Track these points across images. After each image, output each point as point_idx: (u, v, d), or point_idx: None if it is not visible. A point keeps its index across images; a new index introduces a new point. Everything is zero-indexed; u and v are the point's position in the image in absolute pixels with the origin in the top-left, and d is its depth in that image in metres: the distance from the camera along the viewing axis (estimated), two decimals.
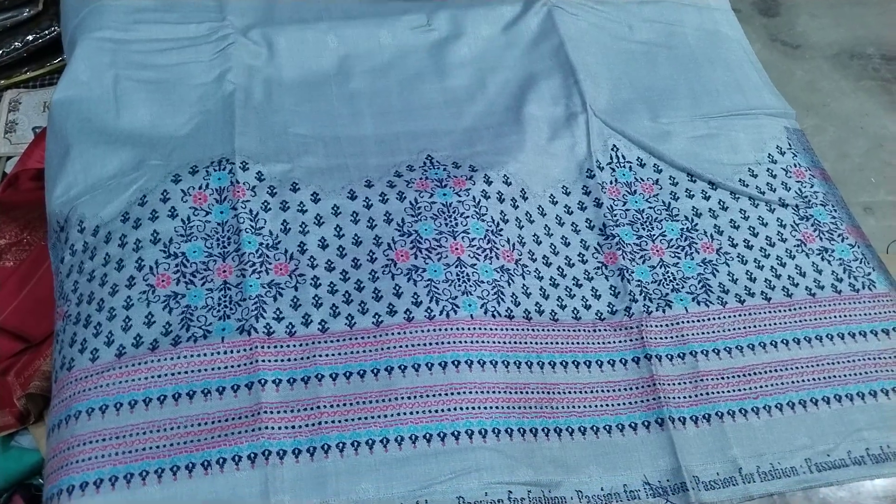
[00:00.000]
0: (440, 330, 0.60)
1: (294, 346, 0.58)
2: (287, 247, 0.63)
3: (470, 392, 0.58)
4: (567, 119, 0.76)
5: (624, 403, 0.62)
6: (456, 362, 0.58)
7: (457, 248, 0.64)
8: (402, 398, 0.57)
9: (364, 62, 0.79)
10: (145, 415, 0.54)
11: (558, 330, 0.64)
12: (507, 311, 0.62)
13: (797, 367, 0.65)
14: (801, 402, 0.63)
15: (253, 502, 0.52)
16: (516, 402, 0.59)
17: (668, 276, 0.68)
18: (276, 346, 0.58)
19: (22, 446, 0.62)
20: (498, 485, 0.55)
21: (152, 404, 0.54)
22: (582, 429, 0.60)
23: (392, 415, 0.56)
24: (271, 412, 0.55)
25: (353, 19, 0.81)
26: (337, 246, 0.64)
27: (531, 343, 0.62)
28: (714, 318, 0.66)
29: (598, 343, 0.64)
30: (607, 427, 0.60)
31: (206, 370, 0.56)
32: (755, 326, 0.66)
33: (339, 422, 0.56)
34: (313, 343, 0.59)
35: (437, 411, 0.57)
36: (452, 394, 0.58)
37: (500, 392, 0.59)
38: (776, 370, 0.64)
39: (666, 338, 0.65)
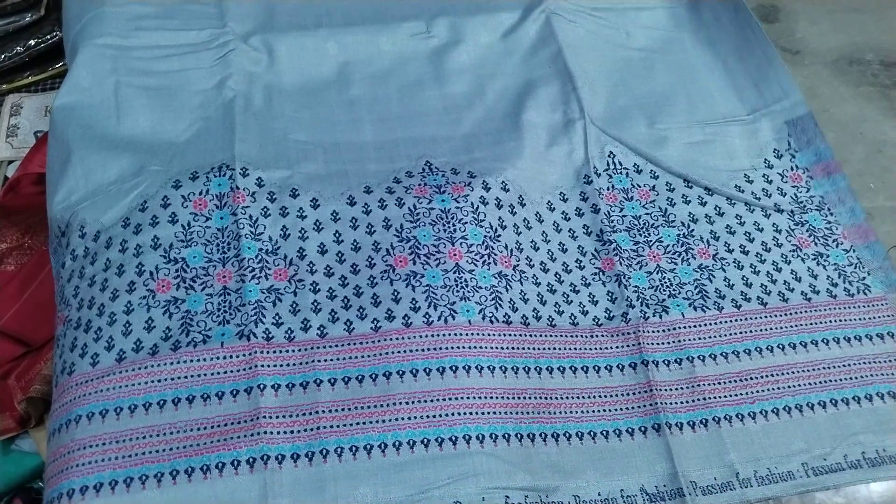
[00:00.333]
0: (438, 335, 0.60)
1: (293, 351, 0.58)
2: (286, 252, 0.63)
3: (468, 397, 0.58)
4: (565, 126, 0.76)
5: (621, 409, 0.62)
6: (454, 368, 0.59)
7: (455, 254, 0.64)
8: (401, 403, 0.57)
9: (364, 69, 0.79)
10: (145, 419, 0.54)
11: (556, 336, 0.64)
12: (504, 316, 0.62)
13: (793, 372, 0.65)
14: (797, 407, 0.63)
15: None
16: (514, 407, 0.59)
17: (665, 282, 0.68)
18: (275, 352, 0.58)
19: (22, 450, 0.62)
20: (495, 490, 0.55)
21: (152, 409, 0.55)
22: (579, 434, 0.60)
23: (390, 420, 0.57)
24: (270, 417, 0.55)
25: (353, 26, 0.81)
26: (336, 251, 0.64)
27: (529, 349, 0.62)
28: (710, 324, 0.66)
29: (596, 349, 0.64)
30: (604, 432, 0.60)
31: (205, 375, 0.56)
32: (751, 331, 0.67)
33: (338, 427, 0.56)
34: (312, 348, 0.59)
35: (434, 416, 0.57)
36: (450, 399, 0.58)
37: (497, 397, 0.59)
38: (772, 375, 0.64)
39: (663, 343, 0.65)
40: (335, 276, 0.63)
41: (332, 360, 0.58)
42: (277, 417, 0.55)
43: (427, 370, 0.58)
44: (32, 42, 0.87)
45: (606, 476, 0.58)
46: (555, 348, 0.64)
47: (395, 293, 0.62)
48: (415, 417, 0.57)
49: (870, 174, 0.93)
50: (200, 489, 0.52)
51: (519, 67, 0.81)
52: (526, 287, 0.65)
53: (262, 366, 0.57)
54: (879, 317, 0.69)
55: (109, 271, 0.60)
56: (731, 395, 0.63)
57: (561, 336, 0.64)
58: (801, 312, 0.68)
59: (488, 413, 0.58)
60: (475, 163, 0.71)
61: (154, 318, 0.58)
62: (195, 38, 0.77)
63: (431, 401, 0.57)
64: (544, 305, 0.65)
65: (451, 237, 0.65)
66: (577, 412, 0.61)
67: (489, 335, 0.61)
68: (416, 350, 0.59)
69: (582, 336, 0.65)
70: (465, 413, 0.57)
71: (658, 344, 0.65)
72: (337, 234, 0.65)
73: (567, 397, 0.62)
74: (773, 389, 0.64)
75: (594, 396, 0.62)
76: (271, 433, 0.54)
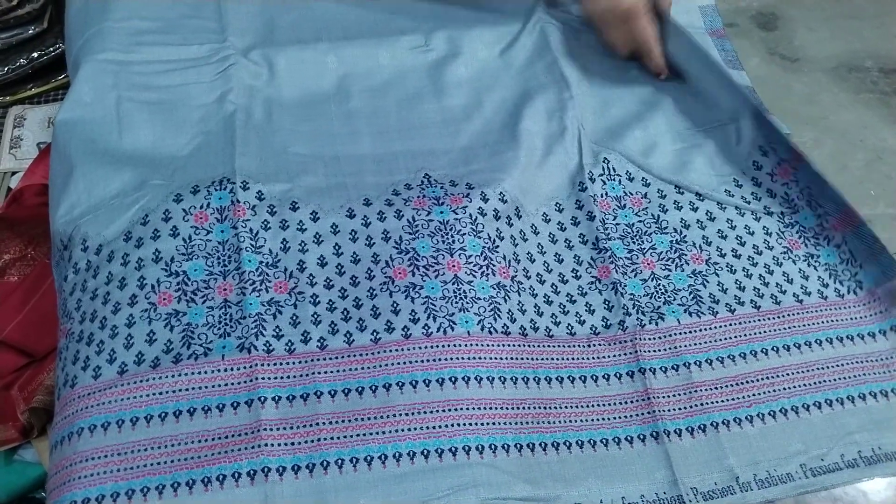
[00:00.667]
0: (437, 346, 0.60)
1: (293, 363, 0.59)
2: (287, 265, 0.63)
3: (467, 408, 0.58)
4: (561, 134, 0.76)
5: (619, 417, 0.62)
6: (453, 379, 0.59)
7: (454, 266, 0.64)
8: (400, 415, 0.57)
9: (363, 82, 0.80)
10: (147, 431, 0.55)
11: (553, 346, 0.64)
12: (503, 327, 0.62)
13: (788, 374, 0.65)
14: (793, 409, 0.63)
15: None
16: (513, 417, 0.59)
17: (660, 289, 0.68)
18: (275, 364, 0.58)
19: (25, 460, 0.62)
20: (495, 500, 0.55)
21: (153, 421, 0.55)
22: (579, 443, 0.60)
23: (390, 431, 0.57)
24: (271, 429, 0.55)
25: (353, 39, 0.82)
26: (336, 264, 0.64)
27: (527, 359, 0.63)
28: (706, 329, 0.67)
29: (593, 358, 0.65)
30: (604, 441, 0.61)
31: (206, 387, 0.57)
32: (746, 335, 0.67)
33: (338, 438, 0.56)
34: (312, 360, 0.59)
35: (434, 427, 0.57)
36: (449, 410, 0.58)
37: (496, 408, 0.59)
38: (768, 377, 0.65)
39: (659, 350, 0.65)
40: (335, 289, 0.63)
41: (332, 371, 0.59)
42: (278, 429, 0.55)
43: (427, 381, 0.59)
44: (35, 54, 0.87)
45: (607, 484, 0.58)
46: (553, 358, 0.64)
47: (395, 305, 0.62)
48: (415, 429, 0.57)
49: (870, 181, 0.93)
50: (201, 501, 0.52)
51: (516, 79, 0.82)
52: (524, 298, 0.66)
53: (263, 378, 0.57)
54: (869, 315, 0.70)
55: (111, 284, 0.61)
56: (727, 400, 0.63)
57: (558, 346, 0.65)
58: (793, 314, 0.68)
59: (488, 424, 0.58)
60: (473, 175, 0.71)
61: (155, 330, 0.58)
62: (196, 52, 0.77)
63: (431, 412, 0.58)
64: (541, 316, 0.66)
65: (449, 248, 0.65)
66: (576, 421, 0.61)
67: (488, 346, 0.61)
68: (416, 361, 0.59)
69: (579, 346, 0.65)
70: (464, 424, 0.57)
71: (655, 351, 0.65)
72: (336, 247, 0.65)
73: (566, 407, 0.62)
74: (769, 392, 0.64)
75: (593, 405, 0.62)
76: (272, 445, 0.55)
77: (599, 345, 0.65)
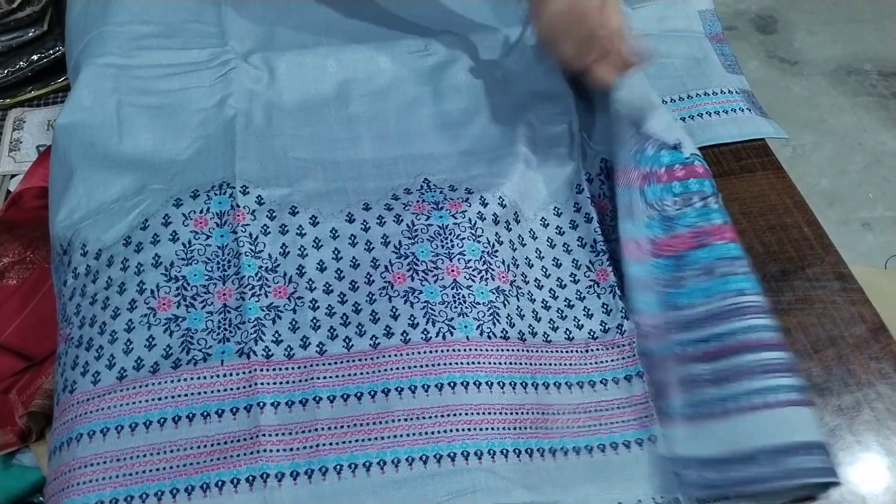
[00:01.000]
0: (436, 352, 0.60)
1: (292, 368, 0.59)
2: (286, 270, 0.63)
3: (466, 414, 0.58)
4: (560, 138, 0.76)
5: (617, 422, 0.62)
6: (452, 384, 0.59)
7: (453, 270, 0.64)
8: (399, 420, 0.57)
9: (363, 86, 0.79)
10: (146, 437, 0.55)
11: (551, 351, 0.64)
12: (502, 332, 0.62)
13: None
14: None
15: None
16: (512, 423, 0.59)
17: None
18: (274, 369, 0.58)
19: (23, 464, 0.62)
20: None
21: (153, 427, 0.55)
22: (576, 448, 0.60)
23: (389, 437, 0.57)
24: (270, 435, 0.55)
25: (353, 44, 0.82)
26: (335, 269, 0.64)
27: (526, 364, 0.62)
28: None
29: (591, 363, 0.65)
30: (601, 446, 0.60)
31: (205, 393, 0.57)
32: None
33: (338, 444, 0.56)
34: (311, 366, 0.59)
35: (433, 433, 0.57)
36: (448, 415, 0.58)
37: (495, 413, 0.59)
38: None
39: None
40: (334, 294, 0.63)
41: (331, 377, 0.59)
42: (277, 435, 0.55)
43: (425, 387, 0.58)
44: (35, 57, 0.87)
45: (605, 489, 0.58)
46: (551, 364, 0.64)
47: (394, 309, 0.62)
48: (414, 434, 0.57)
49: (868, 184, 0.94)
50: None
51: (516, 84, 0.82)
52: (522, 303, 0.66)
53: (262, 383, 0.57)
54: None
55: (111, 289, 0.61)
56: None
57: (556, 352, 0.64)
58: None
59: (486, 429, 0.58)
60: (473, 180, 0.71)
61: (155, 336, 0.58)
62: (196, 56, 0.77)
63: (430, 417, 0.57)
64: (539, 322, 0.66)
65: (449, 253, 0.65)
66: (573, 427, 0.61)
67: (487, 350, 0.61)
68: (415, 366, 0.59)
69: (577, 351, 0.65)
70: (463, 429, 0.57)
71: None
72: (336, 252, 0.65)
73: (563, 412, 0.62)
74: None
75: (590, 411, 0.62)
76: (271, 451, 0.55)
77: (597, 349, 0.65)
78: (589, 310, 0.67)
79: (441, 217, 0.67)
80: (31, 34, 0.87)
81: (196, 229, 0.64)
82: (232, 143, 0.70)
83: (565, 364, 0.64)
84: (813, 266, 0.74)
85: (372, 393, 0.58)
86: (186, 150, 0.70)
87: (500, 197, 0.69)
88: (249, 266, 0.62)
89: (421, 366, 0.59)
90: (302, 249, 0.65)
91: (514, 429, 0.59)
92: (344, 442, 0.56)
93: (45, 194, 0.72)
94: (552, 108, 0.79)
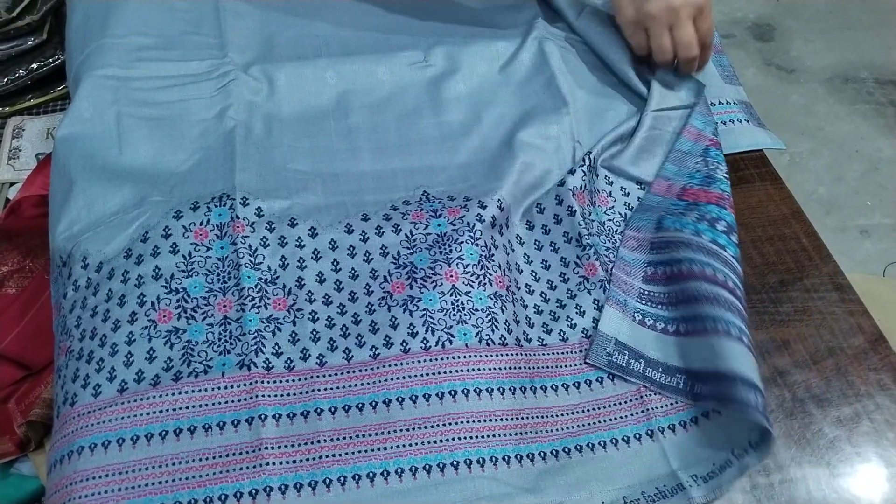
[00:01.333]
0: (436, 360, 0.60)
1: (293, 380, 0.59)
2: (285, 282, 0.63)
3: (467, 421, 0.58)
4: (557, 149, 0.77)
5: (616, 418, 0.62)
6: (452, 392, 0.59)
7: (451, 275, 0.64)
8: (401, 430, 0.57)
9: (362, 98, 0.80)
10: (147, 450, 0.55)
11: (547, 354, 0.65)
12: (500, 338, 0.62)
13: None
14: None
15: None
16: (512, 428, 0.59)
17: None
18: (275, 381, 0.58)
19: (21, 473, 0.62)
20: None
21: (154, 440, 0.55)
22: (578, 447, 0.60)
23: (392, 447, 0.57)
24: (272, 448, 0.55)
25: (352, 56, 0.82)
26: (334, 280, 0.65)
27: (524, 368, 0.63)
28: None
29: (587, 363, 0.65)
30: (602, 443, 0.61)
31: (206, 405, 0.57)
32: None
33: (340, 455, 0.56)
34: (312, 377, 0.59)
35: (435, 442, 0.57)
36: (450, 424, 0.58)
37: (496, 420, 0.59)
38: None
39: None
40: (333, 305, 0.63)
41: (331, 388, 0.59)
42: (279, 448, 0.56)
43: (426, 396, 0.59)
44: (35, 65, 0.88)
45: (608, 485, 0.59)
46: (548, 367, 0.64)
47: (393, 319, 0.62)
48: (416, 444, 0.57)
49: (866, 192, 0.94)
50: None
51: (514, 95, 0.82)
52: (517, 308, 0.66)
53: (263, 396, 0.57)
54: None
55: (111, 302, 0.61)
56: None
57: (552, 354, 0.65)
58: None
59: (488, 436, 0.58)
60: (471, 189, 0.72)
61: (155, 348, 0.59)
62: (196, 68, 0.77)
63: (431, 426, 0.58)
64: (532, 328, 0.66)
65: (447, 258, 0.65)
66: (573, 427, 0.62)
67: (486, 357, 0.61)
68: (415, 376, 0.59)
69: (572, 352, 0.65)
70: (465, 437, 0.58)
71: None
72: (335, 263, 0.65)
73: (562, 414, 0.62)
74: None
75: (589, 410, 0.63)
76: (273, 464, 0.55)
77: None
78: (581, 307, 0.68)
79: (440, 225, 0.68)
80: (30, 43, 0.87)
81: (196, 241, 0.64)
82: (232, 155, 0.70)
83: (561, 366, 0.65)
84: (811, 277, 0.74)
85: (373, 403, 0.58)
86: (186, 162, 0.71)
87: (499, 199, 0.70)
88: (249, 278, 0.62)
89: (421, 375, 0.59)
90: (301, 261, 0.65)
91: (515, 434, 0.59)
92: (346, 453, 0.56)
93: (44, 203, 0.72)
94: (550, 120, 0.79)
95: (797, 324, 0.71)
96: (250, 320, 0.60)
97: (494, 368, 0.61)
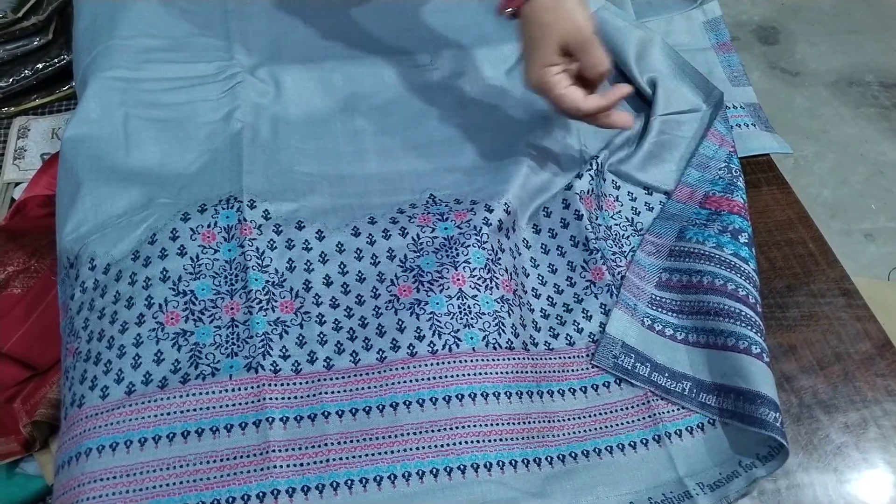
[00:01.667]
0: (443, 364, 0.60)
1: (300, 383, 0.59)
2: (292, 284, 0.63)
3: (474, 425, 0.58)
4: (563, 152, 0.77)
5: (622, 423, 0.62)
6: (459, 396, 0.59)
7: (458, 279, 0.64)
8: (408, 434, 0.57)
9: (368, 100, 0.80)
10: (155, 453, 0.55)
11: (554, 359, 0.65)
12: (507, 342, 0.62)
13: None
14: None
15: None
16: (519, 432, 0.59)
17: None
18: (282, 384, 0.58)
19: (26, 473, 0.62)
20: None
21: (161, 442, 0.55)
22: (585, 452, 0.60)
23: (398, 451, 0.57)
24: (279, 450, 0.55)
25: (359, 58, 0.82)
26: (341, 283, 0.64)
27: (531, 372, 0.63)
28: None
29: (594, 367, 0.65)
30: (608, 448, 0.61)
31: (214, 408, 0.57)
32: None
33: (347, 459, 0.56)
34: (319, 380, 0.59)
35: (442, 446, 0.57)
36: (456, 428, 0.58)
37: (503, 424, 0.59)
38: None
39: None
40: (340, 308, 0.63)
41: (338, 391, 0.59)
42: (286, 451, 0.56)
43: (433, 399, 0.59)
44: (40, 65, 0.88)
45: (615, 490, 0.59)
46: (554, 371, 0.64)
47: (400, 322, 0.62)
48: (423, 447, 0.57)
49: (871, 195, 0.94)
50: None
51: (521, 99, 0.82)
52: (524, 312, 0.66)
53: (271, 398, 0.57)
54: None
55: (119, 304, 0.61)
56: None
57: (559, 359, 0.65)
58: None
59: (495, 440, 0.58)
60: (478, 192, 0.72)
61: (163, 350, 0.59)
62: (203, 70, 0.78)
63: (438, 430, 0.58)
64: (539, 332, 0.66)
65: (454, 262, 0.65)
66: (580, 432, 0.62)
67: (493, 360, 0.61)
68: (422, 379, 0.59)
69: (579, 357, 0.65)
70: (472, 441, 0.58)
71: None
72: (342, 266, 0.65)
73: (569, 419, 0.62)
74: None
75: (595, 415, 0.63)
76: (281, 466, 0.55)
77: None
78: (588, 311, 0.68)
79: (446, 228, 0.67)
80: (35, 43, 0.87)
81: (204, 243, 0.64)
82: (239, 157, 0.70)
83: (568, 370, 0.65)
84: (818, 282, 0.74)
85: (380, 407, 0.58)
86: (193, 164, 0.71)
87: (506, 203, 0.70)
88: (256, 280, 0.62)
89: (428, 378, 0.59)
90: (308, 264, 0.65)
91: (522, 439, 0.59)
92: (354, 456, 0.56)
93: (49, 203, 0.72)
94: (556, 124, 0.79)
95: (804, 329, 0.71)
96: (258, 323, 0.60)
97: (501, 372, 0.61)
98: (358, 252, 0.66)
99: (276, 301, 0.62)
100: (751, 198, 0.76)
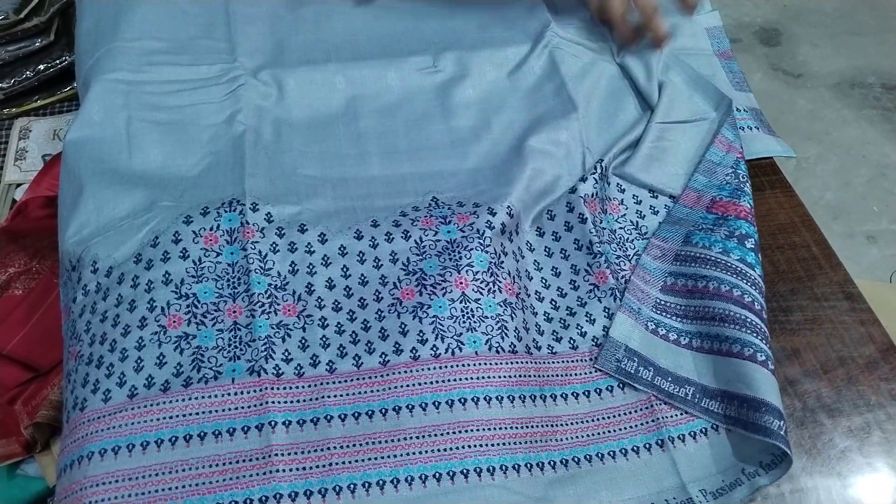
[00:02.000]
0: (446, 367, 0.60)
1: (303, 387, 0.59)
2: (295, 288, 0.63)
3: (477, 429, 0.58)
4: (567, 156, 0.77)
5: (625, 428, 0.62)
6: (462, 400, 0.59)
7: (461, 282, 0.64)
8: (411, 438, 0.57)
9: (371, 103, 0.80)
10: (157, 456, 0.54)
11: (557, 363, 0.65)
12: (510, 346, 0.62)
13: None
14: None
15: None
16: (522, 437, 0.59)
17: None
18: (285, 388, 0.58)
19: (27, 474, 0.62)
20: None
21: (164, 446, 0.55)
22: (588, 457, 0.60)
23: (401, 455, 0.57)
24: (282, 454, 0.55)
25: (361, 60, 0.82)
26: (344, 286, 0.64)
27: (534, 376, 0.63)
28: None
29: (596, 370, 0.65)
30: (611, 453, 0.61)
31: (216, 411, 0.56)
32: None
33: (350, 463, 0.56)
34: (322, 384, 0.59)
35: (445, 450, 0.57)
36: (459, 432, 0.58)
37: (506, 428, 0.59)
38: None
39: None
40: (343, 311, 0.63)
41: (341, 395, 0.59)
42: (289, 454, 0.55)
43: (436, 403, 0.59)
44: (42, 67, 0.88)
45: (617, 495, 0.59)
46: (557, 375, 0.64)
47: (403, 326, 0.62)
48: (425, 452, 0.57)
49: (873, 197, 0.94)
50: None
51: (524, 101, 0.82)
52: (527, 316, 0.66)
53: (273, 402, 0.57)
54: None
55: (121, 307, 0.61)
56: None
57: (562, 363, 0.65)
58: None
59: (498, 444, 0.58)
60: (480, 195, 0.72)
61: (165, 353, 0.58)
62: (206, 72, 0.77)
63: (441, 434, 0.57)
64: (542, 335, 0.66)
65: (457, 265, 0.65)
66: (582, 436, 0.61)
67: (496, 364, 0.61)
68: (425, 383, 0.59)
69: (582, 360, 0.65)
70: (475, 445, 0.57)
71: None
72: (345, 269, 0.65)
73: (572, 423, 0.62)
74: None
75: (598, 419, 0.62)
76: (284, 471, 0.55)
77: None
78: (591, 315, 0.67)
79: (449, 232, 0.67)
80: (37, 44, 0.87)
81: (206, 246, 0.64)
82: (241, 160, 0.70)
83: (571, 374, 0.64)
84: (821, 285, 0.74)
85: (383, 411, 0.58)
86: (196, 167, 0.70)
87: (509, 206, 0.70)
88: (259, 283, 0.62)
89: (430, 382, 0.59)
90: (311, 267, 0.65)
91: (525, 443, 0.59)
92: (357, 461, 0.56)
93: (51, 204, 0.72)
94: (560, 127, 0.79)
95: (807, 333, 0.71)
96: (260, 326, 0.60)
97: (504, 376, 0.61)
98: (360, 255, 0.66)
99: (278, 304, 0.62)
100: (754, 201, 0.76)
